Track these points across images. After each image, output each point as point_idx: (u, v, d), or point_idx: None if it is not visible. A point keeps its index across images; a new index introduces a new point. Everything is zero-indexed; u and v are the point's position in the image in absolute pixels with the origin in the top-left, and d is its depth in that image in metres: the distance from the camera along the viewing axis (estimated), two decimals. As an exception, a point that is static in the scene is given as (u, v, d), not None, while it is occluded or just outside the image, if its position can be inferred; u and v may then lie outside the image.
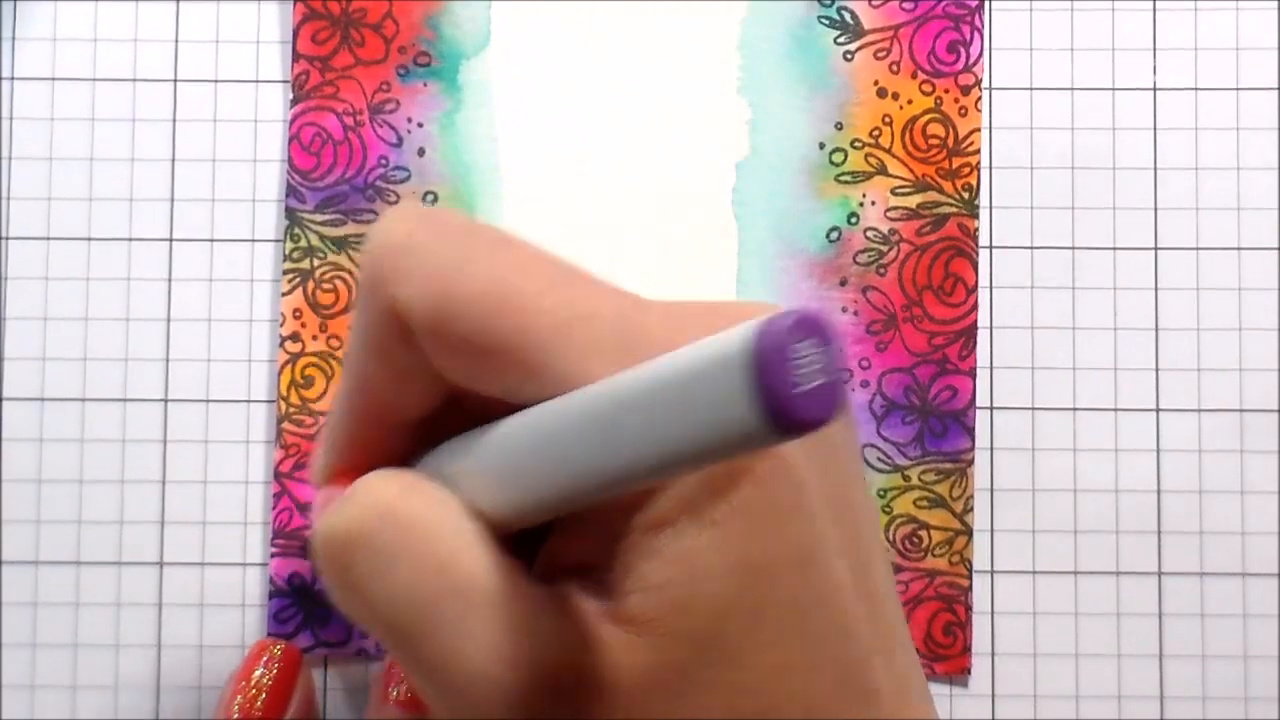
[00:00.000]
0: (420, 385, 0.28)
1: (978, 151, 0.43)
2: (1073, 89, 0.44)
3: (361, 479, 0.27)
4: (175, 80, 0.44)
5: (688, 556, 0.25)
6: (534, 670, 0.25)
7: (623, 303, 0.26)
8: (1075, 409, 0.43)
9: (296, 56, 0.43)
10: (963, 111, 0.43)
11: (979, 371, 0.43)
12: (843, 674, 0.26)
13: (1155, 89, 0.43)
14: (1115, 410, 0.43)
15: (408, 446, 0.29)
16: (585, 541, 0.26)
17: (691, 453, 0.21)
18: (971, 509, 0.42)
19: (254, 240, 0.43)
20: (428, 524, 0.26)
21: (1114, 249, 0.43)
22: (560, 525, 0.26)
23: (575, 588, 0.26)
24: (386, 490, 0.27)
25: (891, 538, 0.42)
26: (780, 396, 0.19)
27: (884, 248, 0.43)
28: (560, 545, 0.26)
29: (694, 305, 0.28)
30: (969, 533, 0.42)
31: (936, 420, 0.42)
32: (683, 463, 0.22)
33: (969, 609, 0.42)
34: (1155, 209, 0.43)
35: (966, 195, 0.43)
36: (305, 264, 0.42)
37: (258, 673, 0.39)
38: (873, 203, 0.43)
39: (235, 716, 0.38)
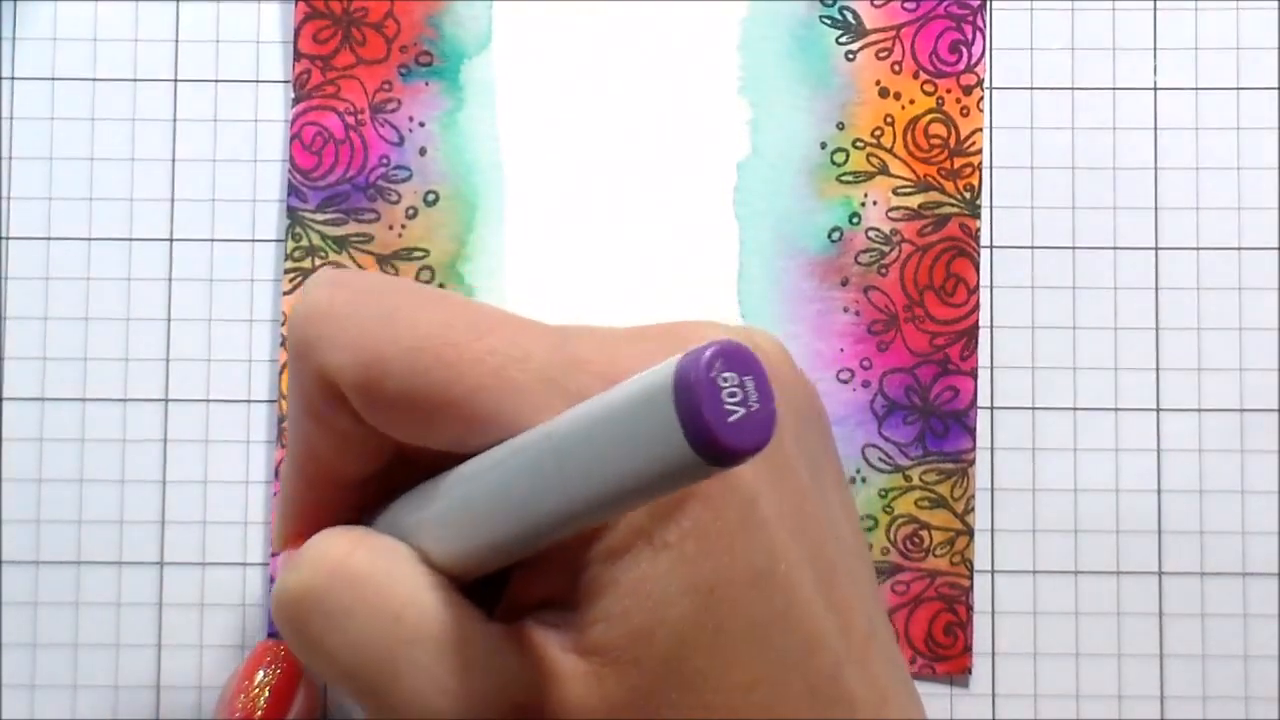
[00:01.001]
0: (362, 445, 0.28)
1: (979, 151, 0.43)
2: (1073, 89, 0.44)
3: (311, 539, 0.27)
4: (175, 80, 0.44)
5: (645, 583, 0.25)
6: (499, 710, 0.25)
7: (552, 339, 0.26)
8: (1075, 409, 0.43)
9: (298, 55, 0.43)
10: (964, 111, 0.43)
11: (979, 371, 0.43)
12: (813, 686, 0.26)
13: (1155, 89, 0.44)
14: (1115, 410, 0.43)
15: (363, 503, 0.29)
16: (546, 578, 0.26)
17: (630, 489, 0.22)
18: (973, 509, 0.42)
19: (254, 240, 0.43)
20: (378, 576, 0.26)
21: (1114, 249, 0.43)
22: (521, 565, 0.26)
23: (538, 624, 0.26)
24: (335, 547, 0.27)
25: (893, 538, 0.42)
26: (705, 428, 0.20)
27: (885, 248, 0.43)
28: (522, 584, 0.27)
29: (629, 331, 0.28)
30: (970, 533, 0.42)
31: (938, 420, 0.42)
32: (624, 499, 0.22)
33: (970, 609, 0.42)
34: (1155, 209, 0.43)
35: (968, 195, 0.43)
36: (307, 263, 0.42)
37: (261, 674, 0.39)
38: (874, 203, 0.43)
39: (238, 717, 0.38)
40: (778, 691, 0.25)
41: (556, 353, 0.26)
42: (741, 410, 0.20)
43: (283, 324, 0.42)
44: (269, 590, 0.42)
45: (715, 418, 0.20)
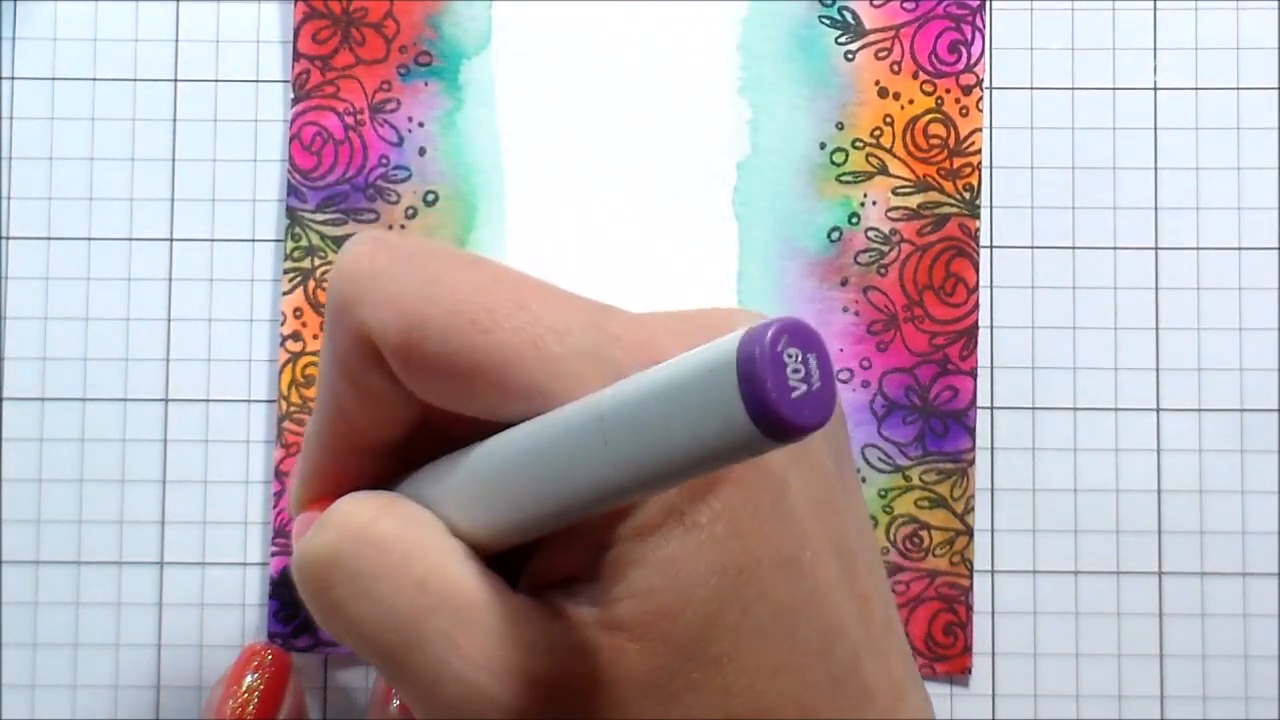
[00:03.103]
0: (393, 409, 0.28)
1: (979, 151, 0.43)
2: (1073, 89, 0.44)
3: (336, 503, 0.27)
4: (175, 80, 0.44)
5: (673, 562, 0.25)
6: (524, 681, 0.25)
7: (591, 313, 0.27)
8: (1075, 409, 0.43)
9: (297, 56, 0.43)
10: (964, 111, 0.43)
11: (979, 371, 0.43)
12: (834, 674, 0.26)
13: (1155, 89, 0.44)
14: (1115, 410, 0.43)
15: (384, 471, 0.29)
16: (571, 554, 0.26)
17: (683, 464, 0.21)
18: (972, 509, 0.42)
19: (254, 240, 0.43)
20: (405, 542, 0.26)
21: (1114, 249, 0.43)
22: (544, 540, 0.26)
23: (562, 599, 0.26)
24: (361, 512, 0.27)
25: (892, 538, 0.42)
26: (770, 403, 0.20)
27: (885, 248, 0.43)
28: (546, 560, 0.27)
29: (663, 314, 0.28)
30: (970, 533, 0.42)
31: (937, 420, 0.42)
32: (676, 473, 0.22)
33: (970, 609, 0.42)
34: (1155, 209, 0.43)
35: (968, 195, 0.43)
36: (306, 263, 0.42)
37: (249, 678, 0.39)
38: (874, 203, 0.43)
39: None
40: (801, 677, 0.25)
41: (595, 327, 0.26)
42: (804, 387, 0.20)
43: (282, 323, 0.42)
44: (268, 590, 0.42)
45: (779, 393, 0.20)
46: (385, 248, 0.27)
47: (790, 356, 0.20)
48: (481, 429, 0.26)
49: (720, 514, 0.25)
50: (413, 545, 0.26)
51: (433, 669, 0.25)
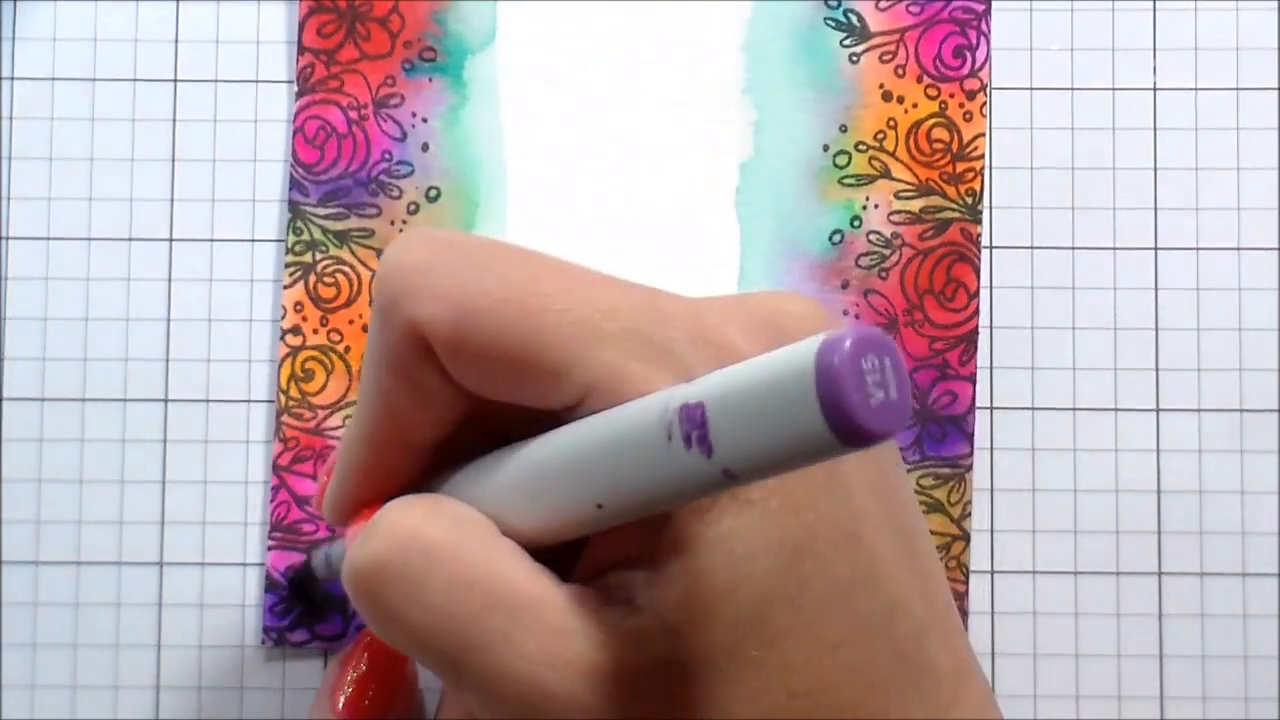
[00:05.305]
0: (441, 405, 0.28)
1: (982, 156, 0.43)
2: (1073, 89, 0.44)
3: (381, 509, 0.27)
4: (175, 80, 0.44)
5: (730, 539, 0.25)
6: (584, 672, 0.25)
7: (642, 295, 0.27)
8: (1075, 409, 0.43)
9: (301, 49, 0.43)
10: (967, 116, 0.43)
11: (979, 371, 0.43)
12: (897, 650, 0.26)
13: (1155, 89, 0.44)
14: (1115, 410, 0.43)
15: (427, 471, 0.29)
16: (625, 537, 0.26)
17: (755, 466, 0.21)
18: (969, 515, 0.42)
19: (254, 240, 0.43)
20: (453, 544, 0.26)
21: (1114, 249, 0.43)
22: None
23: (619, 583, 0.26)
24: (408, 517, 0.27)
25: (895, 536, 0.42)
26: (849, 412, 0.20)
27: (886, 251, 0.43)
28: (601, 544, 0.26)
29: (713, 298, 0.28)
30: (966, 538, 0.42)
31: (935, 425, 0.42)
32: (745, 476, 0.22)
33: (965, 614, 0.42)
34: (1155, 209, 0.43)
35: (970, 200, 0.43)
36: (307, 257, 0.42)
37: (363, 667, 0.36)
38: (876, 206, 0.43)
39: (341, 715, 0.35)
40: (862, 652, 0.25)
41: (646, 308, 0.26)
42: (881, 395, 0.20)
43: (282, 317, 0.42)
44: (264, 584, 0.42)
45: (859, 402, 0.20)
46: (433, 242, 0.27)
47: (869, 365, 0.20)
48: (527, 424, 0.26)
49: (774, 489, 0.25)
50: (461, 547, 0.26)
51: (494, 669, 0.25)
